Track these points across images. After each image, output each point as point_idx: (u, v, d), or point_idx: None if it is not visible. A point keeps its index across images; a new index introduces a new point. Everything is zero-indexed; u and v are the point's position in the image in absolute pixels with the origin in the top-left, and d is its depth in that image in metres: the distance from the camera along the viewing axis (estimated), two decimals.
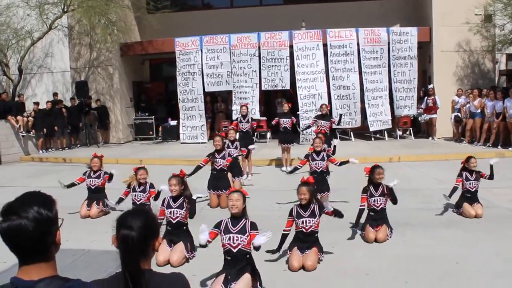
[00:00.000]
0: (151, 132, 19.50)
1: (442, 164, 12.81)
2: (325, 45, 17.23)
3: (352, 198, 8.21)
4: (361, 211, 7.21)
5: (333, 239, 6.94)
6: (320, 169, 9.03)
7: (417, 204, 9.12)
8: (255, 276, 5.23)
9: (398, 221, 7.48)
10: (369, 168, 7.35)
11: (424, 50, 17.93)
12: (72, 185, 9.00)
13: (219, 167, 9.48)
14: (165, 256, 6.30)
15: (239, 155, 10.69)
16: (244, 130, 12.28)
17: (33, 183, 12.31)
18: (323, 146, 9.40)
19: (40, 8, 16.88)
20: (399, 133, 17.96)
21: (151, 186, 8.05)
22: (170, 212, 6.58)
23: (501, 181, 10.43)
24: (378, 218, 7.11)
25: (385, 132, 17.74)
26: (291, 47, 17.29)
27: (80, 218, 8.73)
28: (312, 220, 6.02)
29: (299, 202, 6.12)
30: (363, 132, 17.95)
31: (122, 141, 19.12)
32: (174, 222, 6.57)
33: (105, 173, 9.11)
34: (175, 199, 6.64)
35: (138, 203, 7.94)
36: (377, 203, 7.14)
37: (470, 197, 8.24)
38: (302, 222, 6.03)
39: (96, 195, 8.91)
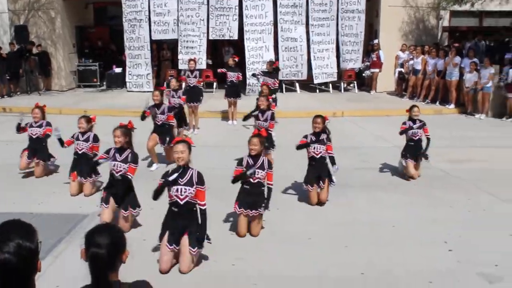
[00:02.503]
0: (95, 80, 18.98)
1: (384, 120, 13.18)
2: None
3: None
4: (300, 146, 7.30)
5: (278, 201, 7.11)
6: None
7: (357, 163, 9.38)
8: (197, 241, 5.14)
9: (338, 182, 7.62)
10: None
11: (372, 4, 17.97)
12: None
13: (160, 122, 9.22)
14: (108, 218, 6.11)
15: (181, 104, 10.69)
16: (191, 85, 12.12)
17: None
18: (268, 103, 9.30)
19: None
20: (344, 85, 18.19)
21: (95, 137, 7.87)
22: (114, 165, 6.26)
23: (437, 141, 10.87)
24: (318, 167, 7.19)
25: (330, 84, 17.93)
26: None
27: (20, 169, 8.51)
28: (260, 172, 6.02)
29: (249, 153, 6.10)
30: (308, 83, 18.07)
31: (64, 89, 18.56)
32: (117, 175, 6.28)
33: (48, 123, 8.61)
34: (120, 151, 6.32)
35: (80, 152, 7.76)
36: (317, 151, 7.19)
37: (414, 145, 8.47)
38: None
39: (37, 146, 8.52)
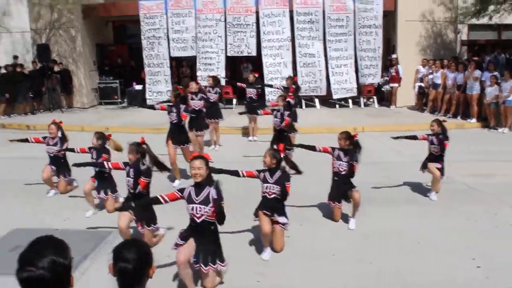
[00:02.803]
0: (116, 97, 19.16)
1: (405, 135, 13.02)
2: (291, 12, 17.08)
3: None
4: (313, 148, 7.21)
5: (302, 217, 7.11)
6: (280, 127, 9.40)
7: (378, 178, 9.28)
8: (217, 254, 5.06)
9: (362, 197, 7.52)
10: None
11: (389, 19, 17.96)
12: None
13: (174, 121, 9.12)
14: (124, 224, 6.04)
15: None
16: (212, 101, 12.13)
17: (0, 153, 12.08)
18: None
19: None
20: (363, 100, 18.13)
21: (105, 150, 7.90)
22: (128, 181, 6.24)
23: (460, 155, 10.79)
24: (342, 183, 7.01)
25: (350, 99, 17.88)
26: (257, 13, 17.09)
27: (43, 180, 8.53)
28: (276, 188, 5.91)
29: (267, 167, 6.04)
30: (328, 99, 18.03)
31: (86, 106, 18.76)
32: (131, 191, 6.25)
33: (61, 139, 8.60)
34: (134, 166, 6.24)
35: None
36: (342, 168, 7.00)
37: (436, 157, 8.23)
38: (267, 188, 5.97)
39: (56, 163, 8.58)
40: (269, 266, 5.72)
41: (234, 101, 17.92)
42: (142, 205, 5.80)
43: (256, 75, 13.32)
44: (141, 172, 6.12)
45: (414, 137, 8.42)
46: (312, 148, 7.22)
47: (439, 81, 15.84)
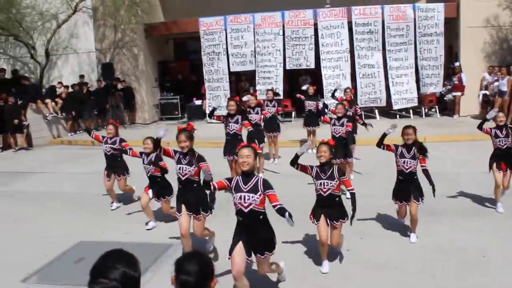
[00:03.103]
0: (176, 112, 19.53)
1: (469, 145, 12.65)
2: (349, 23, 16.97)
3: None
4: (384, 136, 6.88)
5: (361, 229, 7.01)
6: (339, 134, 9.16)
7: (443, 190, 8.79)
8: (271, 243, 5.00)
9: (423, 209, 7.32)
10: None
11: (451, 26, 17.48)
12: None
13: (233, 131, 9.16)
14: (185, 224, 6.04)
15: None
16: (271, 114, 12.05)
17: (68, 169, 12.59)
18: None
19: None
20: (425, 110, 17.69)
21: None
22: (180, 168, 6.06)
23: None
24: (407, 182, 6.76)
25: (411, 110, 17.49)
26: (315, 25, 17.06)
27: (106, 190, 8.78)
28: (331, 183, 5.72)
29: (319, 163, 5.84)
30: (388, 110, 17.69)
31: (148, 122, 19.22)
32: (183, 179, 6.10)
33: (121, 140, 8.61)
34: (185, 155, 6.06)
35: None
36: (406, 165, 6.70)
37: (501, 154, 7.74)
38: (321, 184, 5.78)
39: (113, 163, 8.71)
40: (331, 278, 5.68)
41: (293, 113, 17.89)
42: (212, 200, 5.82)
43: (315, 88, 13.23)
44: (199, 157, 6.00)
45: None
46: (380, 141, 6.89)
47: (505, 88, 15.25)
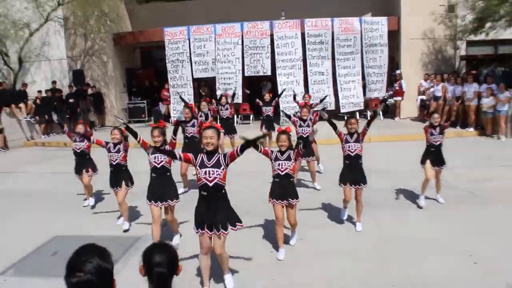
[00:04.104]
0: (143, 115, 19.66)
1: (409, 144, 13.10)
2: (302, 34, 17.37)
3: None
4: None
5: (316, 221, 7.31)
6: (306, 134, 9.25)
7: (385, 185, 9.36)
8: (231, 218, 5.06)
9: (368, 202, 7.66)
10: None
11: (393, 38, 18.14)
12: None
13: (190, 134, 9.42)
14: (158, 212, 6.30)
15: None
16: (225, 117, 12.38)
17: (39, 169, 12.55)
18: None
19: (37, 1, 16.78)
20: (370, 113, 18.30)
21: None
22: (155, 158, 6.32)
23: (460, 161, 10.86)
24: (353, 165, 7.05)
25: (357, 113, 18.06)
26: (271, 35, 17.41)
27: (83, 185, 8.66)
28: (287, 163, 6.03)
29: (278, 149, 6.10)
30: (337, 113, 18.22)
31: (117, 124, 19.13)
32: (158, 167, 6.33)
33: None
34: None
35: (114, 163, 7.49)
36: (352, 149, 7.04)
37: (434, 151, 8.06)
38: (279, 165, 6.04)
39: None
40: (287, 266, 5.83)
41: (251, 117, 18.26)
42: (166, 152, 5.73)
43: (271, 95, 13.24)
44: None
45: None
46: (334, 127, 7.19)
47: (439, 93, 15.97)
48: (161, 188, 6.33)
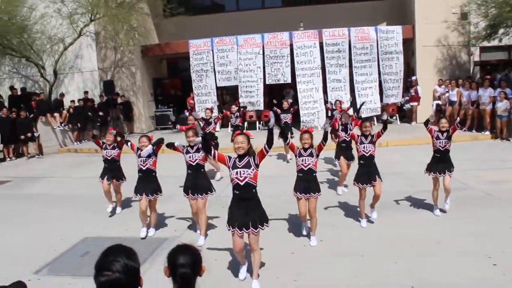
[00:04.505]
0: (169, 122, 20.06)
1: (425, 148, 13.12)
2: (321, 43, 17.56)
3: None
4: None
5: (331, 222, 7.41)
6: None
7: (403, 187, 9.38)
8: (262, 218, 5.32)
9: (385, 203, 7.76)
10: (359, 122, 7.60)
11: (408, 45, 18.24)
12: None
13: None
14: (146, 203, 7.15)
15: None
16: (234, 124, 12.61)
17: (73, 174, 12.91)
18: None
19: (71, 17, 17.34)
20: (385, 117, 18.34)
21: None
22: (190, 156, 6.87)
23: (476, 164, 10.89)
24: (368, 166, 7.21)
25: (375, 117, 18.20)
26: (291, 45, 17.62)
27: (104, 192, 8.56)
28: (310, 159, 6.49)
29: (302, 147, 6.55)
30: (360, 117, 18.31)
31: (145, 131, 19.63)
32: (194, 164, 6.90)
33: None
34: (193, 146, 6.89)
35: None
36: (366, 150, 7.20)
37: (440, 157, 7.61)
38: (302, 160, 6.52)
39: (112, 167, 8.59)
40: (306, 267, 5.89)
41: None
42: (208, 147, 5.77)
43: (288, 103, 13.21)
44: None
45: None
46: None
47: (454, 98, 16.01)
48: (196, 181, 6.92)
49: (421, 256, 5.99)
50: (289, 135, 7.58)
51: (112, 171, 8.61)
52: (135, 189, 7.26)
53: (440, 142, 7.62)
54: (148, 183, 7.23)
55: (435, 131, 7.68)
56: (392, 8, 19.51)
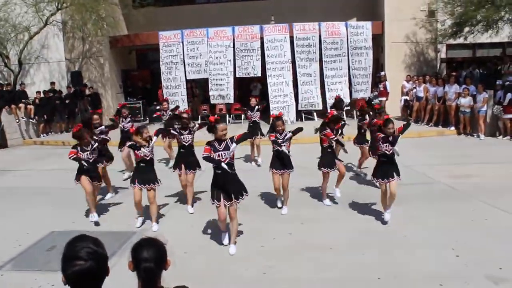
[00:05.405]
0: (139, 115, 19.51)
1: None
2: (291, 37, 17.34)
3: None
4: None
5: (301, 216, 7.28)
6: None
7: (364, 181, 9.42)
8: (242, 189, 6.07)
9: (347, 198, 7.75)
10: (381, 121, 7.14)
11: (377, 41, 18.19)
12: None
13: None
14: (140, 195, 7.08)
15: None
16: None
17: (39, 166, 12.38)
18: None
19: (36, 6, 16.59)
20: (356, 113, 18.28)
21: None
22: (184, 138, 7.97)
23: (441, 159, 10.89)
24: (389, 163, 6.96)
25: (344, 113, 18.01)
26: (261, 39, 17.33)
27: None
28: (287, 143, 7.42)
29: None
30: (324, 113, 18.15)
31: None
32: (186, 145, 7.97)
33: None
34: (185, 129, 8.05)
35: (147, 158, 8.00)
36: (389, 149, 6.86)
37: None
38: (281, 143, 7.38)
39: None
40: (276, 259, 5.80)
41: (243, 116, 18.15)
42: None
43: (257, 99, 12.32)
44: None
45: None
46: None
47: (421, 94, 16.02)
48: (188, 159, 7.89)
49: (388, 249, 6.00)
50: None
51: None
52: (131, 180, 7.18)
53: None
54: (148, 172, 7.17)
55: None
56: (363, 4, 19.40)
